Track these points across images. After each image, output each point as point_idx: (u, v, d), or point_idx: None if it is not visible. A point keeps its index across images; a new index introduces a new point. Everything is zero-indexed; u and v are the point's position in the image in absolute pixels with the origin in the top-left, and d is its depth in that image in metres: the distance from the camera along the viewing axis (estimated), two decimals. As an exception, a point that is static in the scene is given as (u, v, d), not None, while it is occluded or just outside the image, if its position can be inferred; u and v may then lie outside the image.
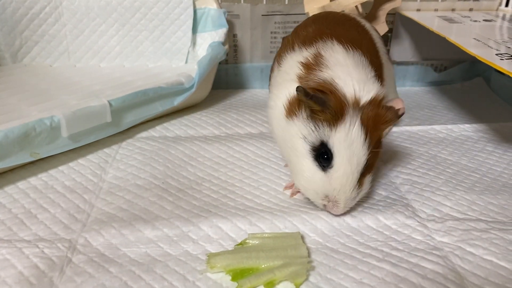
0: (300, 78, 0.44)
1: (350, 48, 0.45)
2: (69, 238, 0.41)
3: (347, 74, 0.42)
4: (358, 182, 0.42)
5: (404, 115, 0.43)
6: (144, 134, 0.63)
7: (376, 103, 0.41)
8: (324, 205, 0.43)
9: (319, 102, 0.39)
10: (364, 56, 0.45)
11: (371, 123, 0.40)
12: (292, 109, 0.42)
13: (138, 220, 0.44)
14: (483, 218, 0.45)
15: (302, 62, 0.45)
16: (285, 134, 0.43)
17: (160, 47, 0.75)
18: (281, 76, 0.47)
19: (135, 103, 0.61)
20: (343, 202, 0.42)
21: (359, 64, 0.44)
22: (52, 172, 0.52)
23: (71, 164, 0.54)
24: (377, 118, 0.41)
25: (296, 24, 0.78)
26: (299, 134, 0.42)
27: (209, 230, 0.43)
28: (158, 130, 0.64)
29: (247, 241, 0.41)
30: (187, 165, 0.54)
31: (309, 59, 0.44)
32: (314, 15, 0.61)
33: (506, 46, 0.58)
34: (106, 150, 0.58)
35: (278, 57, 0.51)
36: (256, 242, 0.41)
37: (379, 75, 0.48)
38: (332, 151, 0.40)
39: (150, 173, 0.52)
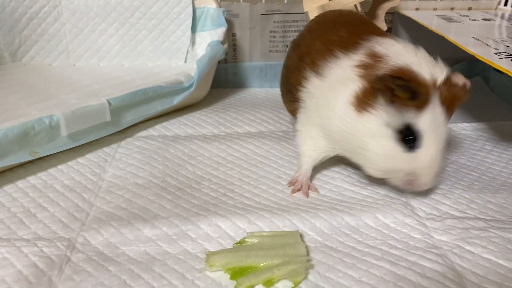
0: (362, 76, 0.44)
1: (396, 39, 0.46)
2: (68, 237, 0.41)
3: (417, 59, 0.43)
4: None
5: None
6: (143, 133, 0.63)
7: (449, 82, 0.43)
8: (405, 181, 0.44)
9: (408, 90, 0.40)
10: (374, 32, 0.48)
11: (448, 102, 0.43)
12: (365, 101, 0.43)
13: (137, 219, 0.44)
14: (482, 217, 0.45)
15: (357, 65, 0.44)
16: (357, 126, 0.44)
17: (159, 46, 0.75)
18: (331, 82, 0.46)
19: (134, 102, 0.61)
20: (431, 178, 0.44)
21: (416, 50, 0.45)
22: (52, 171, 0.52)
23: (70, 163, 0.54)
24: (453, 97, 0.43)
25: (295, 24, 0.78)
26: (379, 121, 0.43)
27: (208, 228, 0.43)
28: (157, 129, 0.64)
29: (246, 239, 0.41)
30: (186, 164, 0.54)
31: (364, 59, 0.44)
32: (323, 17, 0.59)
33: (505, 45, 0.58)
34: (106, 149, 0.58)
35: (312, 65, 0.49)
36: (255, 240, 0.41)
37: None
38: (420, 132, 0.42)
39: (149, 172, 0.52)
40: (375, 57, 0.44)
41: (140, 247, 0.41)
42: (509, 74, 0.48)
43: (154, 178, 0.51)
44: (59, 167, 0.53)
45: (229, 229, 0.43)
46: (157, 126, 0.65)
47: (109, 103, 0.57)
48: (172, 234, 0.42)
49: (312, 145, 0.50)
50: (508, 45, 0.58)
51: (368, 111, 0.43)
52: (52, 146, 0.53)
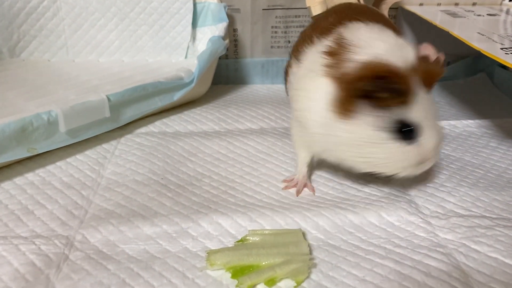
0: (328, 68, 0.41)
1: (369, 22, 0.44)
2: (66, 235, 0.41)
3: (386, 45, 0.40)
4: None
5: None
6: (143, 129, 0.62)
7: (424, 61, 0.41)
8: (418, 169, 0.42)
9: (390, 90, 0.38)
10: (386, 26, 0.44)
11: (428, 81, 0.41)
12: (346, 109, 0.40)
13: (136, 217, 0.43)
14: (488, 215, 0.45)
15: (325, 52, 0.42)
16: (346, 136, 0.40)
17: (159, 42, 0.75)
18: (305, 69, 0.45)
19: (134, 98, 0.60)
20: (436, 157, 0.43)
21: (384, 31, 0.42)
22: (50, 167, 0.51)
23: (69, 159, 0.53)
24: (431, 75, 0.41)
25: (298, 19, 0.78)
26: (370, 127, 0.40)
27: (209, 226, 0.42)
28: (157, 126, 0.63)
29: (247, 237, 0.40)
30: (187, 161, 0.54)
31: (332, 46, 0.41)
32: (330, 9, 0.57)
33: (511, 40, 0.57)
34: (105, 145, 0.57)
35: (295, 52, 0.48)
36: (256, 239, 0.40)
37: None
38: (416, 122, 0.40)
39: (149, 169, 0.51)
40: (343, 45, 0.41)
41: (139, 245, 0.40)
42: None
43: (154, 175, 0.50)
44: (58, 163, 0.52)
45: (230, 227, 0.42)
46: (157, 123, 0.64)
47: (109, 99, 0.56)
48: (172, 232, 0.41)
49: (302, 142, 0.47)
50: (514, 40, 0.58)
51: (352, 118, 0.40)
52: (51, 143, 0.52)
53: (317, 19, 0.53)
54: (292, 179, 0.49)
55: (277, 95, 0.77)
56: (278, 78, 0.82)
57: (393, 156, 0.41)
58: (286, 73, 0.51)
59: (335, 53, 0.41)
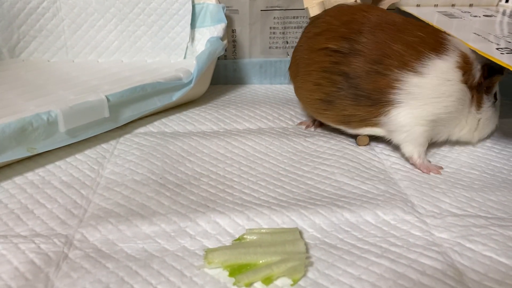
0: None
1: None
2: (66, 234, 0.41)
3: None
4: None
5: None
6: (142, 129, 0.62)
7: None
8: None
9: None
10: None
11: None
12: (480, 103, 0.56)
13: (135, 216, 0.43)
14: (483, 214, 0.45)
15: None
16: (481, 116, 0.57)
17: (158, 42, 0.75)
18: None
19: (133, 98, 0.61)
20: None
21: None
22: (49, 167, 0.52)
23: (68, 159, 0.54)
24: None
25: (296, 20, 0.78)
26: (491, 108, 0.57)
27: (207, 225, 0.42)
28: (156, 126, 0.63)
29: (245, 236, 0.41)
30: (185, 161, 0.54)
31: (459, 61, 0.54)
32: (371, 19, 0.56)
33: (506, 41, 0.58)
34: (104, 145, 0.58)
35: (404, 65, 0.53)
36: (254, 237, 0.40)
37: None
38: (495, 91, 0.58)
39: (148, 169, 0.52)
40: (467, 61, 0.54)
41: (138, 244, 0.40)
42: (510, 68, 0.48)
43: (153, 175, 0.51)
44: (57, 163, 0.53)
45: (228, 226, 0.42)
46: (156, 123, 0.64)
47: (108, 99, 0.57)
48: (171, 231, 0.42)
49: (427, 136, 0.55)
50: (509, 40, 0.58)
51: (482, 106, 0.56)
52: (50, 142, 0.53)
53: (383, 31, 0.54)
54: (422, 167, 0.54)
55: (275, 95, 0.77)
56: (276, 78, 0.82)
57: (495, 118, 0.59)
58: (363, 89, 0.54)
59: (464, 66, 0.53)
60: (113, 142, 0.58)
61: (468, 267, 0.38)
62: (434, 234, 0.42)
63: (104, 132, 0.59)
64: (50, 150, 0.54)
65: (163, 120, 0.65)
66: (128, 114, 0.61)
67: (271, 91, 0.79)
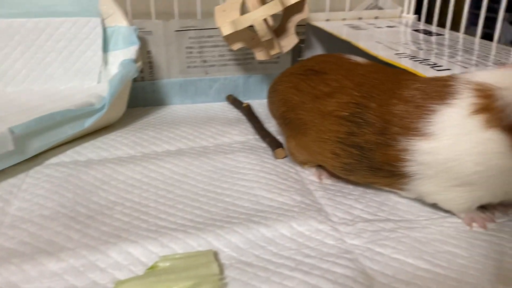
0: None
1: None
2: (-38, 281, 0.38)
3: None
4: None
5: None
6: (54, 160, 0.60)
7: None
8: None
9: None
10: None
11: None
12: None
13: (41, 253, 0.41)
14: (392, 218, 0.47)
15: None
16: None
17: (70, 68, 0.72)
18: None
19: (41, 128, 0.58)
20: None
21: None
22: None
23: (-31, 198, 0.50)
24: None
25: (211, 39, 0.78)
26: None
27: (118, 256, 0.41)
28: (68, 155, 0.61)
29: (158, 264, 0.39)
30: (99, 190, 0.52)
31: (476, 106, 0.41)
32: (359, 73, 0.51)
33: (405, 47, 0.62)
34: (11, 180, 0.54)
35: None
36: (167, 264, 0.39)
37: None
38: None
39: (58, 202, 0.49)
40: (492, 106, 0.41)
41: (44, 283, 0.38)
42: (406, 68, 0.52)
43: (63, 208, 0.48)
44: (-43, 204, 0.49)
45: (141, 255, 0.41)
46: (68, 152, 0.62)
47: (12, 131, 0.54)
48: (79, 266, 0.40)
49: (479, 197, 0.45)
50: (407, 47, 0.63)
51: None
52: None
53: (378, 95, 0.47)
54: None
55: (197, 114, 0.77)
56: (198, 97, 0.82)
57: None
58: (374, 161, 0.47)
59: (486, 105, 0.40)
60: (22, 176, 0.55)
61: (378, 271, 0.39)
62: (346, 241, 0.43)
63: (12, 166, 0.56)
64: (-52, 191, 0.50)
65: (77, 148, 0.63)
66: (37, 145, 0.58)
67: (192, 110, 0.79)
